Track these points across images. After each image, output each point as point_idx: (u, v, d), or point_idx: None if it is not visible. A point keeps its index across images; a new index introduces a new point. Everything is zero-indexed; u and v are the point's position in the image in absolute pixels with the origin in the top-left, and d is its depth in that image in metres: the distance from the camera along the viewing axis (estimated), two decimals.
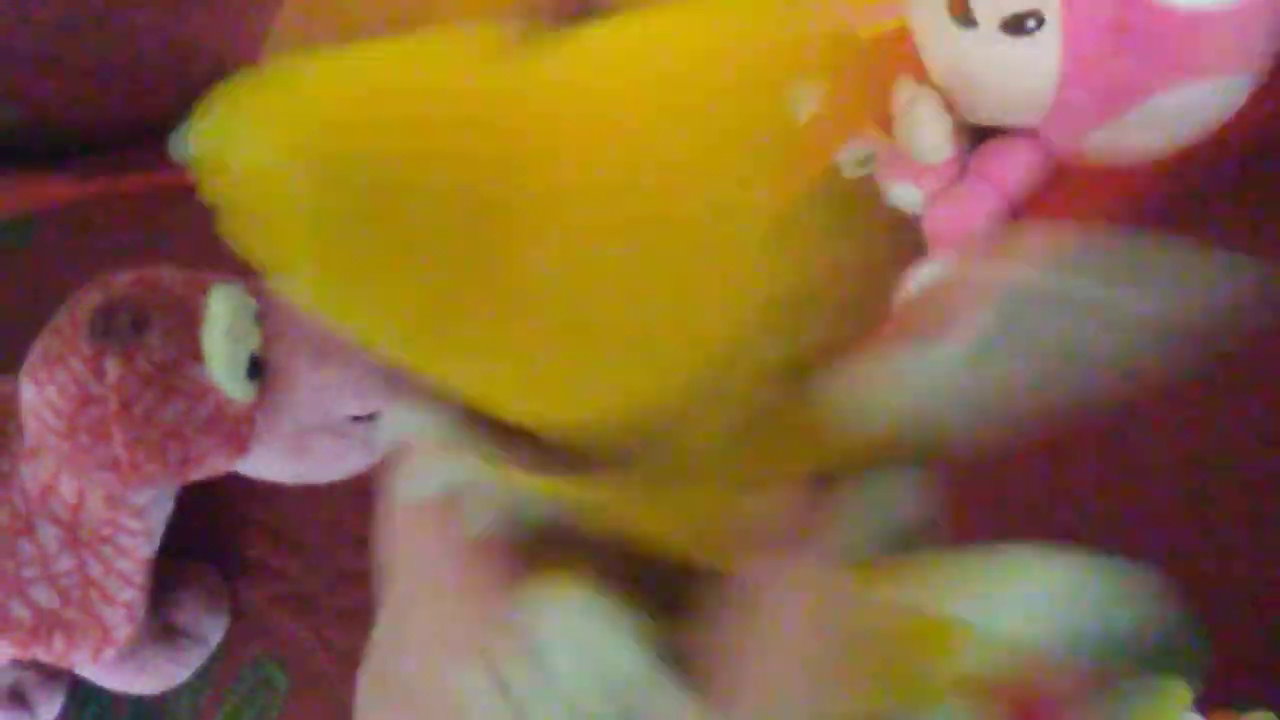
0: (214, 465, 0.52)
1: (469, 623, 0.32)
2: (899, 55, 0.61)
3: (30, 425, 0.50)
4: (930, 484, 0.38)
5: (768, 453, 0.33)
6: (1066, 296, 0.35)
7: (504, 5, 0.29)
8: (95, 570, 0.53)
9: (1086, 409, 0.35)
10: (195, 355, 0.49)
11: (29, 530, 0.52)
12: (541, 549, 0.32)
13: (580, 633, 0.29)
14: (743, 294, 0.29)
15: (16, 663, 0.55)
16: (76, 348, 0.48)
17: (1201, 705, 0.43)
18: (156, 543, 0.56)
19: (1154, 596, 0.36)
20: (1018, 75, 0.59)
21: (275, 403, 0.52)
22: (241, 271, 0.49)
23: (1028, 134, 0.63)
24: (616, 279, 0.28)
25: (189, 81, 0.71)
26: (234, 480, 0.55)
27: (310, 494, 0.63)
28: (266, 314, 0.52)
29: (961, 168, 0.65)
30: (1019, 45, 0.58)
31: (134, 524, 0.54)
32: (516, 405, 0.29)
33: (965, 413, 0.35)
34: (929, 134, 0.59)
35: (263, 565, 0.62)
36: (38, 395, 0.49)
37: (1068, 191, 0.64)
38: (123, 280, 0.51)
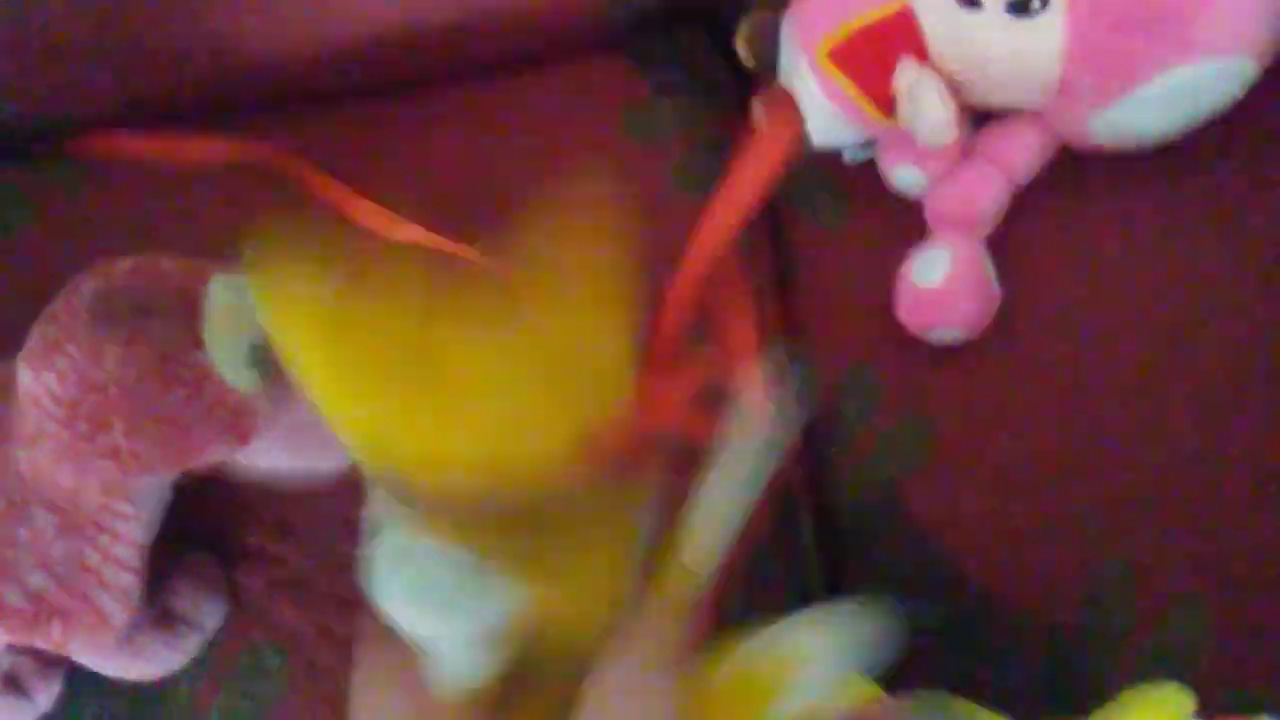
0: (215, 454, 0.52)
1: None
2: (901, 37, 0.60)
3: (29, 412, 0.49)
4: None
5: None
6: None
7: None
8: (92, 557, 0.52)
9: None
10: (196, 344, 0.48)
11: (24, 516, 0.52)
12: (502, 701, 0.43)
13: None
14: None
15: (12, 649, 0.54)
16: (76, 334, 0.48)
17: (1207, 710, 0.44)
18: (155, 530, 0.56)
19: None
20: (1022, 57, 0.59)
21: (276, 393, 0.51)
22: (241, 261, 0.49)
23: (1031, 116, 0.63)
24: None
25: (187, 71, 0.71)
26: (233, 467, 0.55)
27: (310, 482, 0.62)
28: None
29: (964, 150, 0.64)
30: (1023, 26, 0.58)
31: (131, 511, 0.53)
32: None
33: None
34: (932, 116, 0.59)
35: (261, 552, 0.61)
36: (35, 382, 0.48)
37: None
38: (122, 267, 0.50)
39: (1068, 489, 0.62)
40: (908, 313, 0.64)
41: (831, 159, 0.69)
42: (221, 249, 0.68)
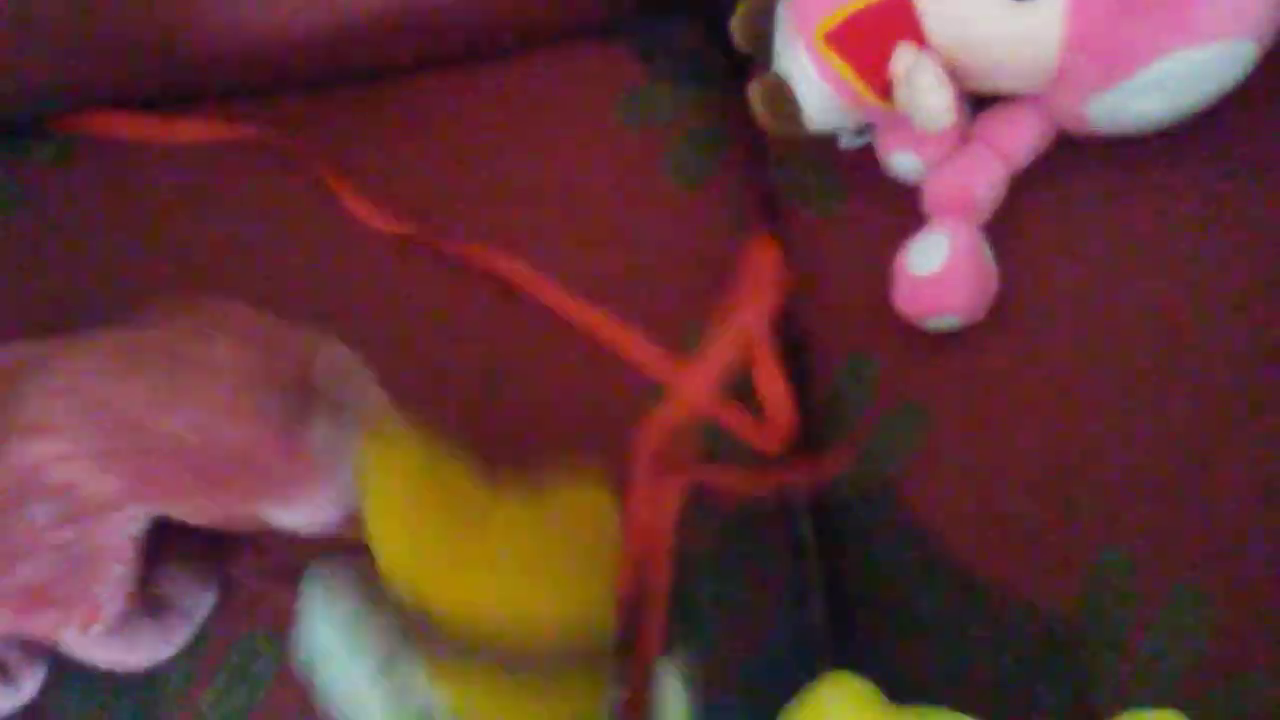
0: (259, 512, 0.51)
1: None
2: (899, 20, 0.60)
3: (60, 406, 0.49)
4: None
5: None
6: None
7: None
8: (89, 548, 0.52)
9: None
10: (304, 413, 0.48)
11: (21, 506, 0.51)
12: None
13: None
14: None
15: None
16: (211, 403, 0.47)
17: None
18: (150, 520, 0.55)
19: None
20: (1021, 40, 0.59)
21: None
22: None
23: (1030, 101, 0.62)
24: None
25: (176, 54, 0.71)
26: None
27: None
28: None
29: (962, 135, 0.64)
30: (1023, 9, 0.57)
31: (140, 509, 0.53)
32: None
33: None
34: (930, 100, 0.58)
35: (251, 538, 0.61)
36: (108, 388, 0.48)
37: None
38: (251, 334, 0.50)
39: (1067, 479, 0.62)
40: (905, 300, 0.64)
41: (827, 145, 0.69)
42: (208, 227, 0.68)
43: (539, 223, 0.68)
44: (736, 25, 0.66)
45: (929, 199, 0.65)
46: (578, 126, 0.71)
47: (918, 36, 0.60)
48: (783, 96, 0.64)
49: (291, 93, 0.73)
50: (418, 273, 0.67)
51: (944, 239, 0.62)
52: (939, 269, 0.62)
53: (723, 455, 0.65)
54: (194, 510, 0.50)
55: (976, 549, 0.62)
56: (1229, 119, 0.61)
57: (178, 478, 0.49)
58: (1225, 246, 0.62)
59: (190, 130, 0.70)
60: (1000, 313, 0.64)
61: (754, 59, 0.67)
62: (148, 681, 0.58)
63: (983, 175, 0.63)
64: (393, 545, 0.49)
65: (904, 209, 0.66)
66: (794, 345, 0.70)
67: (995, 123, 0.64)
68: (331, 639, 0.51)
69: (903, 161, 0.65)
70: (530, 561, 0.50)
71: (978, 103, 0.64)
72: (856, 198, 0.69)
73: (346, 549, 0.58)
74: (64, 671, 0.58)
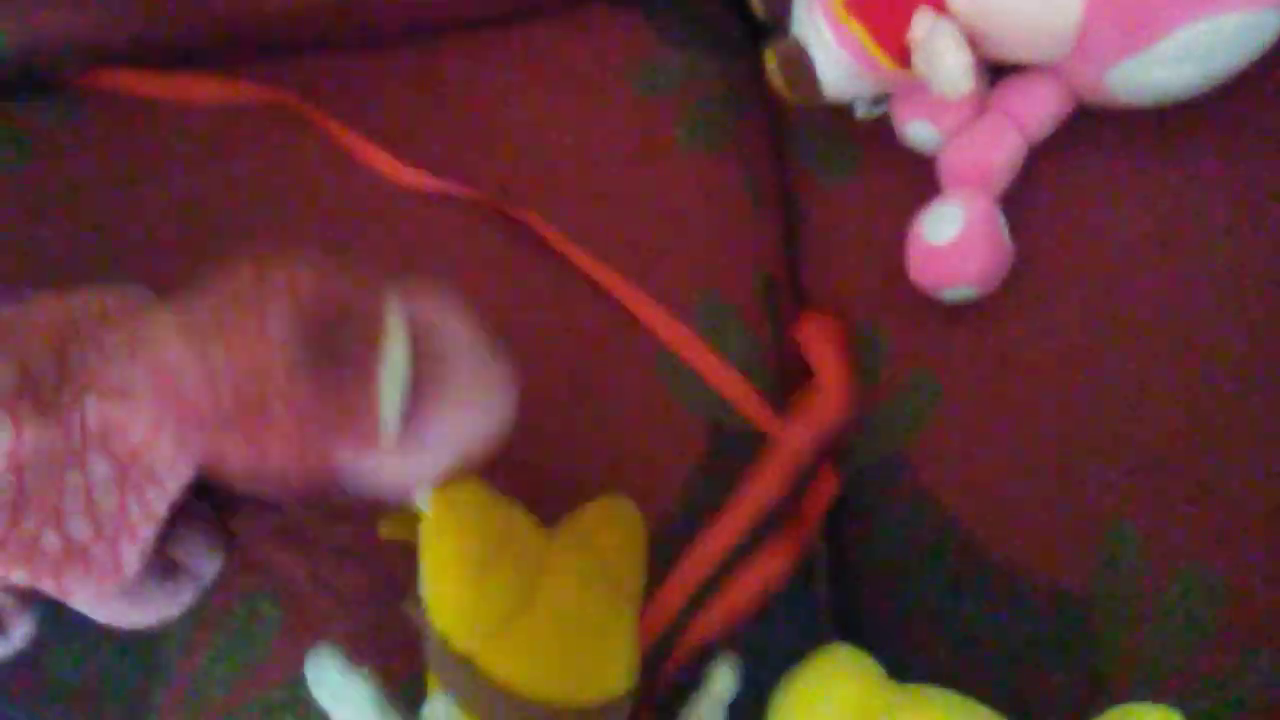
0: (339, 463, 0.51)
1: None
2: None
3: (157, 386, 0.48)
4: None
5: None
6: None
7: None
8: (134, 511, 0.52)
9: None
10: (372, 379, 0.47)
11: (80, 463, 0.51)
12: None
13: None
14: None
15: None
16: (264, 327, 0.46)
17: None
18: None
19: None
20: (1042, 6, 0.58)
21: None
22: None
23: (1049, 71, 0.62)
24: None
25: (194, 11, 0.70)
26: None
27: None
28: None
29: (979, 105, 0.63)
30: None
31: (188, 472, 0.53)
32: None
33: None
34: (949, 64, 0.58)
35: (256, 502, 0.60)
36: (191, 350, 0.47)
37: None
38: (311, 280, 0.49)
39: (1078, 454, 0.61)
40: (919, 270, 0.63)
41: (843, 114, 0.68)
42: (219, 186, 0.67)
43: (551, 187, 0.68)
44: None
45: (945, 169, 0.64)
46: (591, 92, 0.71)
47: (936, 2, 0.59)
48: (800, 64, 0.63)
49: (305, 55, 0.72)
50: (435, 230, 0.66)
51: (959, 208, 0.61)
52: (954, 238, 0.61)
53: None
54: (254, 458, 0.49)
55: (986, 523, 0.62)
56: (1252, 91, 0.60)
57: (235, 429, 0.48)
58: (1244, 222, 0.62)
59: (203, 89, 0.69)
60: (1014, 286, 0.63)
61: (771, 26, 0.67)
62: (148, 641, 0.58)
63: (1000, 146, 0.62)
64: (447, 604, 0.50)
65: (919, 180, 0.65)
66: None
67: (1013, 93, 0.63)
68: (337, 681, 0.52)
69: (919, 131, 0.64)
70: (575, 632, 0.51)
71: (995, 73, 0.64)
72: (872, 168, 0.69)
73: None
74: (64, 631, 0.58)
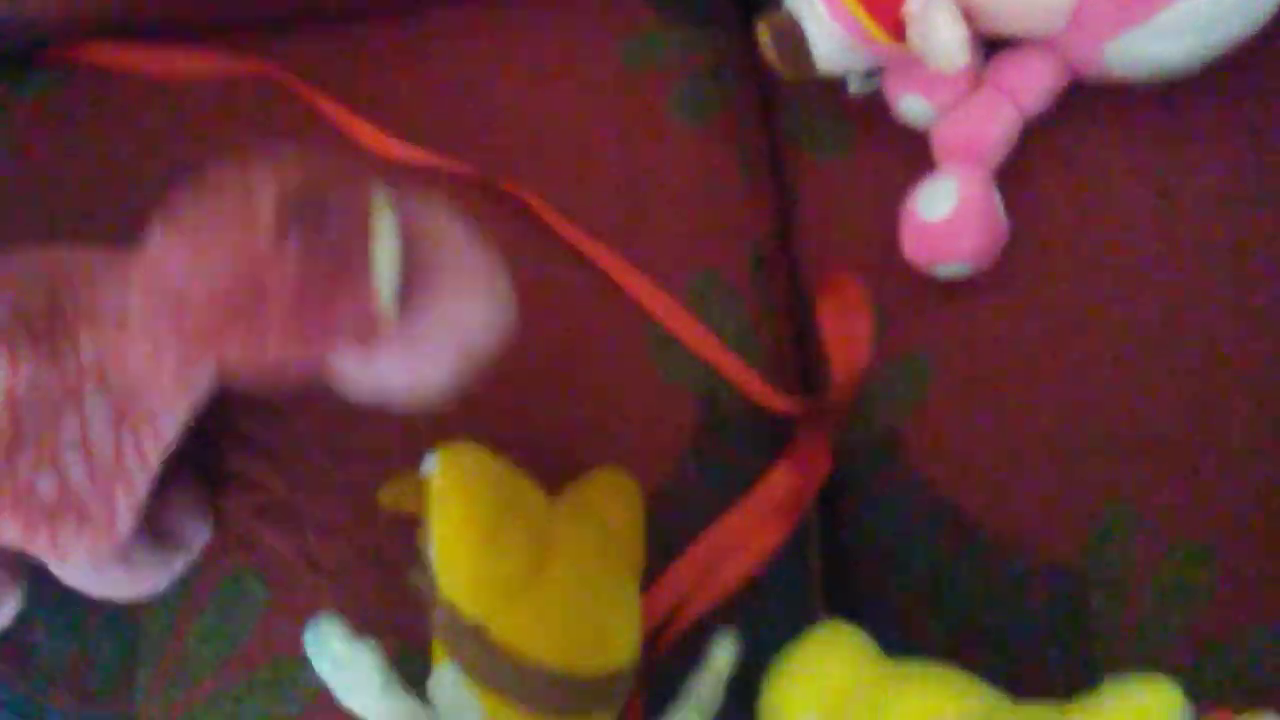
0: (342, 353, 0.49)
1: None
2: None
3: (149, 295, 0.47)
4: None
5: None
6: None
7: None
8: (130, 454, 0.51)
9: None
10: (364, 259, 0.46)
11: (77, 403, 0.50)
12: None
13: None
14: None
15: None
16: (254, 233, 0.45)
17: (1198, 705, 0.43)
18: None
19: None
20: None
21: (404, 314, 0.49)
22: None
23: (1044, 45, 0.61)
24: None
25: None
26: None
27: (293, 405, 0.61)
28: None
29: (974, 80, 0.62)
30: None
31: (185, 404, 0.52)
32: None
33: None
34: (944, 36, 0.57)
35: (244, 477, 0.60)
36: (180, 263, 0.45)
37: None
38: (293, 167, 0.47)
39: (1071, 432, 0.61)
40: (913, 246, 0.63)
41: (836, 89, 0.67)
42: (202, 159, 0.66)
43: (541, 162, 0.67)
44: None
45: (939, 144, 0.63)
46: (581, 66, 0.70)
47: None
48: (793, 36, 0.62)
49: (292, 28, 0.71)
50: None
51: (954, 184, 0.61)
52: (948, 214, 0.61)
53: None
54: (254, 353, 0.47)
55: (978, 501, 0.61)
56: (1249, 65, 0.59)
57: (226, 325, 0.47)
58: (1239, 199, 0.61)
59: (187, 63, 0.68)
60: (1007, 262, 0.63)
61: None
62: (134, 621, 0.57)
63: (995, 120, 0.62)
64: (459, 571, 0.49)
65: (913, 155, 0.64)
66: (797, 292, 0.69)
67: (1008, 67, 0.62)
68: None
69: (913, 106, 0.64)
70: (585, 601, 0.51)
71: (990, 47, 0.63)
72: (864, 143, 0.68)
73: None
74: (50, 611, 0.58)
